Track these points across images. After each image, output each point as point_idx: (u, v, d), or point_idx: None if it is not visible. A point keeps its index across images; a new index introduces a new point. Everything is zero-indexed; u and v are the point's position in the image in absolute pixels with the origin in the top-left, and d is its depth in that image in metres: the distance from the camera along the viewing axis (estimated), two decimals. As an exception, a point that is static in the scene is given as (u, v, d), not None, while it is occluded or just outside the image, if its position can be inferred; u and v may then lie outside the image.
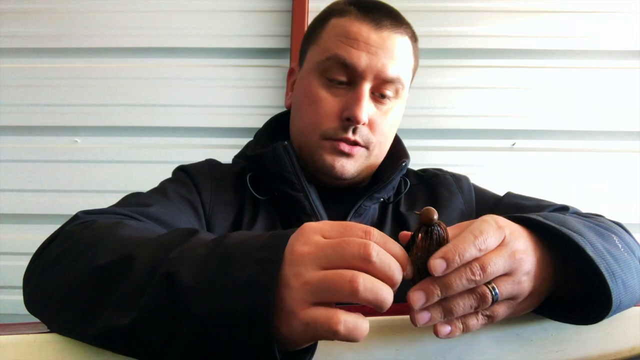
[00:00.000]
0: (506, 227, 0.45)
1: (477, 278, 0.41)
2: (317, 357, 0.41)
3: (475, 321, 0.43)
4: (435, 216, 0.41)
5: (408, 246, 0.42)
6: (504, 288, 0.43)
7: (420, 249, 0.41)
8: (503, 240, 0.44)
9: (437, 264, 0.40)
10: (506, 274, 0.43)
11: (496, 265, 0.42)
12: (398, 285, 0.38)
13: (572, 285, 0.48)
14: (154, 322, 0.38)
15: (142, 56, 1.53)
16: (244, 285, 0.36)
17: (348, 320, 0.35)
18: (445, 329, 0.42)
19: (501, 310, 0.44)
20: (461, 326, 0.43)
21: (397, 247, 0.40)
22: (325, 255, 0.36)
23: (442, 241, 0.41)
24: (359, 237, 0.38)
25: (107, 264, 0.43)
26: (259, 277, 0.36)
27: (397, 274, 0.38)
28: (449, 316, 0.42)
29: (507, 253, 0.43)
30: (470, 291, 0.42)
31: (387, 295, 0.36)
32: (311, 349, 0.40)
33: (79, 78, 1.51)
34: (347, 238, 0.37)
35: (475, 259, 0.41)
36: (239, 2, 1.53)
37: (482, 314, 0.44)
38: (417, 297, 0.40)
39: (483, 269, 0.41)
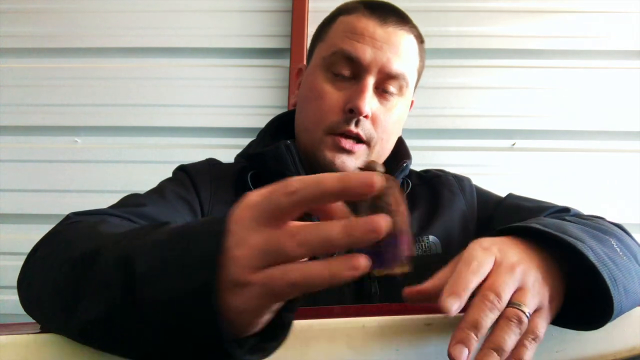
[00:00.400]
0: (492, 246, 0.45)
1: (497, 303, 0.40)
2: (317, 357, 0.41)
3: (525, 349, 0.42)
4: (379, 168, 0.38)
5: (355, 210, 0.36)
6: (527, 299, 0.42)
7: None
8: (495, 260, 0.44)
9: (448, 302, 0.39)
10: (519, 289, 0.43)
11: (505, 283, 0.42)
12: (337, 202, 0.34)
13: (574, 291, 0.48)
14: (120, 312, 0.37)
15: (142, 56, 1.53)
16: (188, 265, 0.34)
17: (302, 267, 0.32)
18: None
19: (539, 323, 0.43)
20: None
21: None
22: (259, 209, 0.33)
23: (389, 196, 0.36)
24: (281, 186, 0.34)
25: (78, 259, 0.42)
26: (202, 254, 0.34)
27: (329, 186, 0.32)
28: (503, 354, 0.40)
29: (507, 269, 0.43)
30: (504, 321, 0.41)
31: (332, 228, 0.32)
32: (277, 338, 0.37)
33: (79, 78, 1.51)
34: (275, 185, 0.34)
35: (484, 287, 0.41)
36: (239, 2, 1.53)
37: (528, 340, 0.42)
38: (458, 351, 0.39)
39: (496, 293, 0.41)
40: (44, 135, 1.51)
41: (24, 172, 1.49)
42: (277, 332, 0.37)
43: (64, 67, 1.52)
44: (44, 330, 0.47)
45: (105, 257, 0.40)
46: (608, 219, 0.64)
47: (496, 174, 1.46)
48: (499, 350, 0.40)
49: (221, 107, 1.50)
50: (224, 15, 1.53)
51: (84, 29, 1.53)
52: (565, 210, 0.71)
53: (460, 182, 0.83)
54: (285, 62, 1.51)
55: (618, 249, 0.50)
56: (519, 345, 0.42)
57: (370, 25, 0.72)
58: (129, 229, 0.45)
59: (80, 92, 1.51)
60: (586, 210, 0.71)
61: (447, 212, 0.77)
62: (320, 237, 0.32)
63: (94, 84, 1.51)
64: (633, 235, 0.61)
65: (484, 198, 0.81)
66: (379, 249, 0.34)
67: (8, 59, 1.52)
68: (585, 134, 1.49)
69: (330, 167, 0.73)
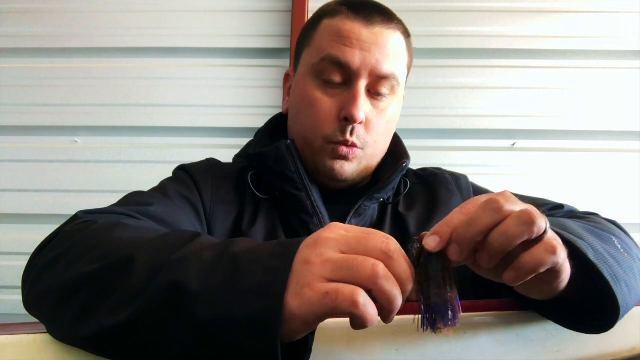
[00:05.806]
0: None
1: (503, 204, 0.38)
2: (317, 357, 0.41)
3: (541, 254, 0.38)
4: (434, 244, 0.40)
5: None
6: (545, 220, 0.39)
7: (423, 274, 0.40)
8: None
9: (429, 238, 0.40)
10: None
11: (511, 201, 0.39)
12: (406, 294, 0.38)
13: (576, 290, 0.48)
14: (149, 322, 0.38)
15: (142, 56, 1.53)
16: (252, 293, 0.36)
17: (366, 297, 0.36)
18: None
19: (558, 245, 0.39)
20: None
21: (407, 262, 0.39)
22: (347, 242, 0.38)
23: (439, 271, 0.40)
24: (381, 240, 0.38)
25: (106, 265, 0.43)
26: (268, 285, 0.36)
27: (409, 282, 0.38)
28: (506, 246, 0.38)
29: (515, 199, 0.40)
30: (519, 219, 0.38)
31: (398, 293, 0.37)
32: (308, 349, 0.40)
33: (79, 78, 1.52)
34: (369, 234, 0.38)
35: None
36: (239, 2, 1.53)
37: (545, 247, 0.39)
38: (430, 239, 0.40)
39: (506, 197, 0.39)
40: (44, 135, 1.51)
41: (24, 172, 1.49)
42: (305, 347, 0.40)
43: (64, 67, 1.52)
44: (43, 330, 0.47)
45: (139, 267, 0.41)
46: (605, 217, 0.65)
47: (496, 174, 1.46)
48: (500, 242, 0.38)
49: (221, 107, 1.50)
50: (224, 15, 1.53)
51: (84, 29, 1.53)
52: (559, 207, 0.71)
53: (457, 180, 0.83)
54: (285, 62, 1.51)
55: (620, 247, 0.50)
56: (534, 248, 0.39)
57: (356, 27, 0.71)
58: (154, 236, 0.46)
59: (80, 92, 1.51)
60: (583, 209, 0.71)
61: (444, 210, 0.77)
62: (392, 285, 0.37)
63: (94, 84, 1.51)
64: (633, 235, 0.61)
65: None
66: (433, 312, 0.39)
67: (8, 59, 1.52)
68: (585, 134, 1.49)
69: (330, 173, 0.73)
